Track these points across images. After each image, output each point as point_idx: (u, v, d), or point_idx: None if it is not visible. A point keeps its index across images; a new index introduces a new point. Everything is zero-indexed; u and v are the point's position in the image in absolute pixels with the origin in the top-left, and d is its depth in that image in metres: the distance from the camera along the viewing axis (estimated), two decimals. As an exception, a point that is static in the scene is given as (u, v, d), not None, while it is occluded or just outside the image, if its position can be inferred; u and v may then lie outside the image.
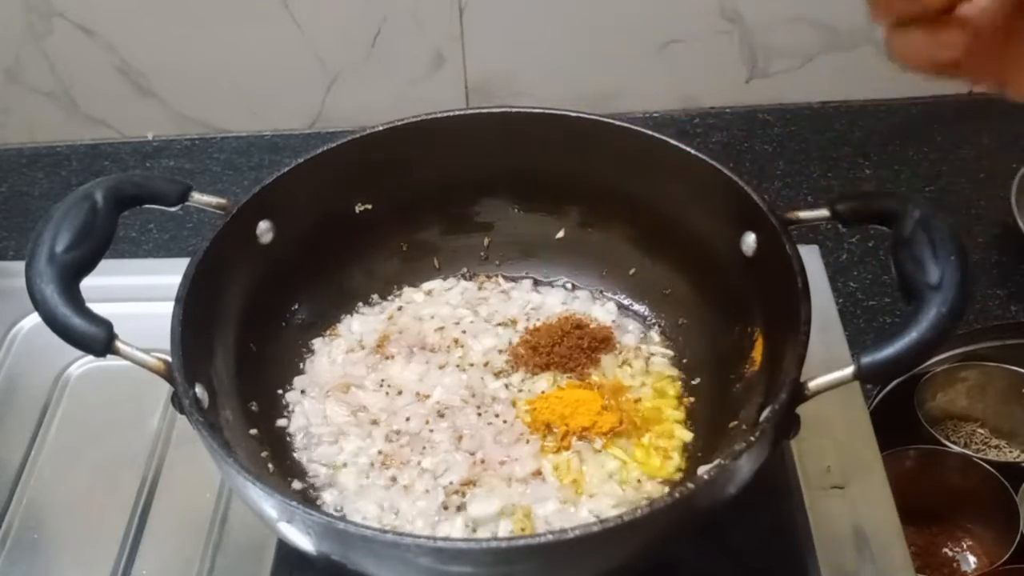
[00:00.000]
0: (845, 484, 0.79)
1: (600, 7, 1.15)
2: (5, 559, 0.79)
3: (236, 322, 0.76)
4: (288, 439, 0.78)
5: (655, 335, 0.85)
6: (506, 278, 0.89)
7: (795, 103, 1.24)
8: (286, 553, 0.75)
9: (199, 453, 0.64)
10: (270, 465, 0.74)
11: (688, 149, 0.77)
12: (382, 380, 0.81)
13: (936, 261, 0.62)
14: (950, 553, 0.95)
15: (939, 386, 0.98)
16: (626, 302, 0.87)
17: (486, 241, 0.89)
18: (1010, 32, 0.50)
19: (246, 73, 1.21)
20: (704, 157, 0.76)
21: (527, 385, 0.80)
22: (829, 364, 0.63)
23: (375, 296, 0.88)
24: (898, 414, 0.94)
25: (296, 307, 0.84)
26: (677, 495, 0.59)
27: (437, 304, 0.87)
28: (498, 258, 0.90)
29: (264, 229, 0.78)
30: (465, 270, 0.90)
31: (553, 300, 0.87)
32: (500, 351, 0.83)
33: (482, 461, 0.75)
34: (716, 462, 0.61)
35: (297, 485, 0.75)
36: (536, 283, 0.89)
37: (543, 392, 0.79)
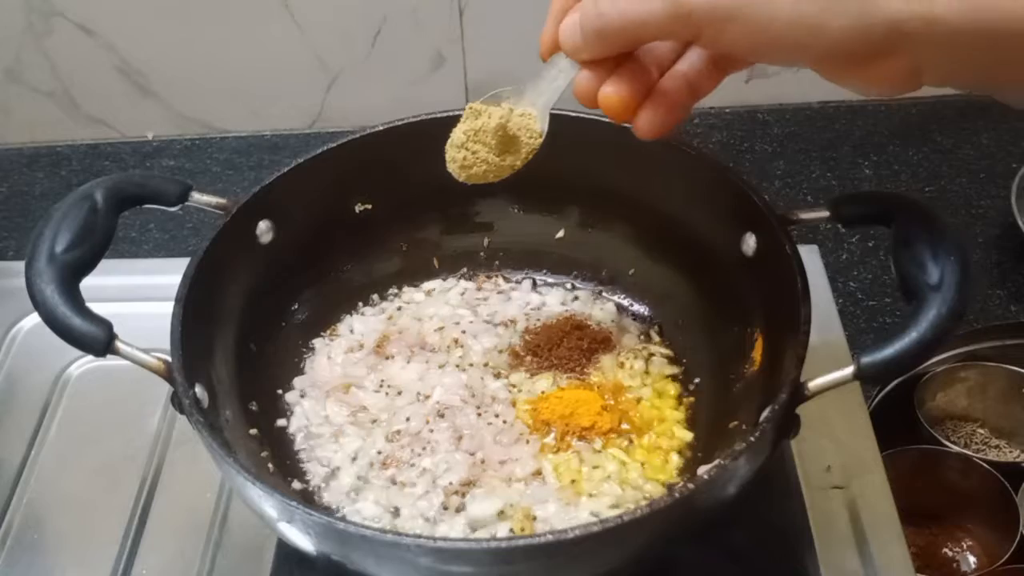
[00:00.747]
0: (845, 484, 0.79)
1: (600, 7, 1.15)
2: (5, 559, 0.79)
3: (236, 322, 0.76)
4: (288, 439, 0.78)
5: (655, 335, 0.85)
6: (506, 278, 0.89)
7: (795, 103, 1.24)
8: (286, 553, 0.75)
9: (199, 453, 0.64)
10: (270, 465, 0.74)
11: (688, 149, 0.77)
12: (382, 380, 0.81)
13: (936, 261, 0.62)
14: (950, 553, 0.95)
15: (939, 386, 0.98)
16: (626, 302, 0.87)
17: (486, 241, 0.89)
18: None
19: (246, 73, 1.21)
20: (704, 157, 0.76)
21: (527, 385, 0.80)
22: (829, 364, 0.63)
23: (375, 296, 0.88)
24: (898, 414, 0.94)
25: (296, 307, 0.84)
26: (677, 495, 0.59)
27: (437, 304, 0.87)
28: (498, 258, 0.90)
29: (264, 229, 0.78)
30: (465, 270, 0.90)
31: (553, 300, 0.87)
32: (500, 351, 0.83)
33: (482, 461, 0.75)
34: (716, 462, 0.61)
35: (297, 485, 0.75)
36: (536, 283, 0.89)
37: (543, 392, 0.79)
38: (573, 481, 0.73)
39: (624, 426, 0.77)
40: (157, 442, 0.85)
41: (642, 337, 0.85)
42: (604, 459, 0.75)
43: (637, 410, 0.78)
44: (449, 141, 0.68)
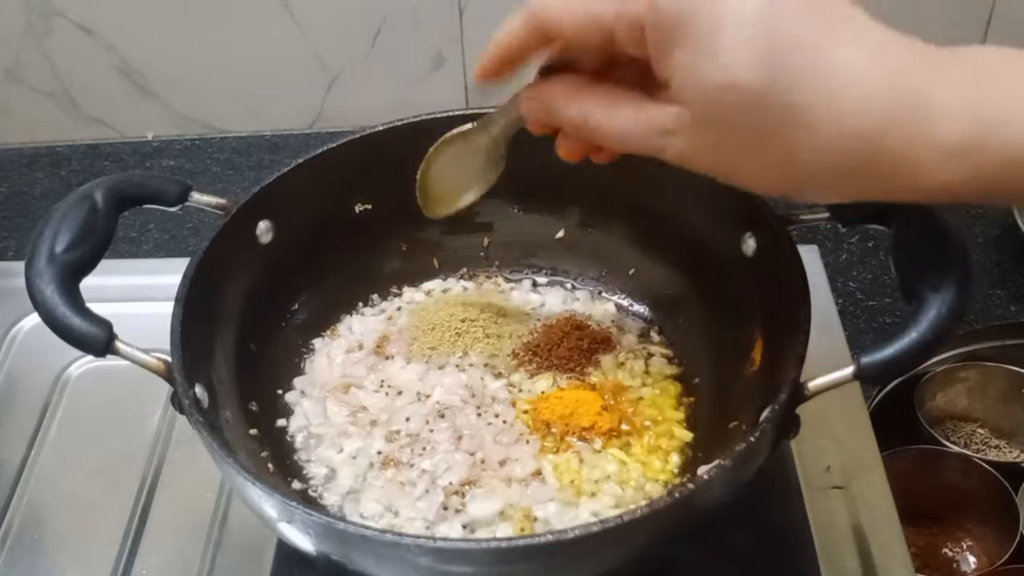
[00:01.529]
0: (845, 484, 0.79)
1: (600, 7, 1.15)
2: (5, 559, 0.79)
3: (236, 322, 0.76)
4: (288, 439, 0.78)
5: (655, 335, 0.85)
6: (506, 278, 0.89)
7: (795, 103, 1.24)
8: (286, 553, 0.75)
9: (199, 453, 0.64)
10: (270, 465, 0.74)
11: (688, 149, 0.76)
12: (382, 380, 0.81)
13: (936, 261, 0.62)
14: (950, 553, 0.95)
15: (939, 386, 0.98)
16: (626, 302, 0.87)
17: (486, 241, 0.89)
18: None
19: (246, 73, 1.21)
20: (704, 157, 0.76)
21: (527, 385, 0.80)
22: (829, 364, 0.63)
23: (375, 296, 0.88)
24: (898, 414, 0.94)
25: (296, 307, 0.84)
26: (677, 495, 0.59)
27: (437, 304, 0.87)
28: (498, 258, 0.90)
29: (264, 229, 0.78)
30: (465, 270, 0.90)
31: (553, 300, 0.87)
32: (500, 351, 0.83)
33: (482, 461, 0.75)
34: (716, 462, 0.61)
35: (297, 485, 0.75)
36: (536, 283, 0.89)
37: (543, 392, 0.79)
38: (573, 481, 0.73)
39: (624, 426, 0.76)
40: (157, 442, 0.85)
41: (642, 337, 0.85)
42: (604, 459, 0.75)
43: (637, 410, 0.78)
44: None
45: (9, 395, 0.91)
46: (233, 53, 1.19)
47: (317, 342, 0.85)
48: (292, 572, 0.75)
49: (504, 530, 0.71)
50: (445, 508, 0.72)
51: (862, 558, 0.74)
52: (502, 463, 0.75)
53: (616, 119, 0.54)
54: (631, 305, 0.87)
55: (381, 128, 0.81)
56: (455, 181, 0.73)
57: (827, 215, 0.70)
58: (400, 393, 0.80)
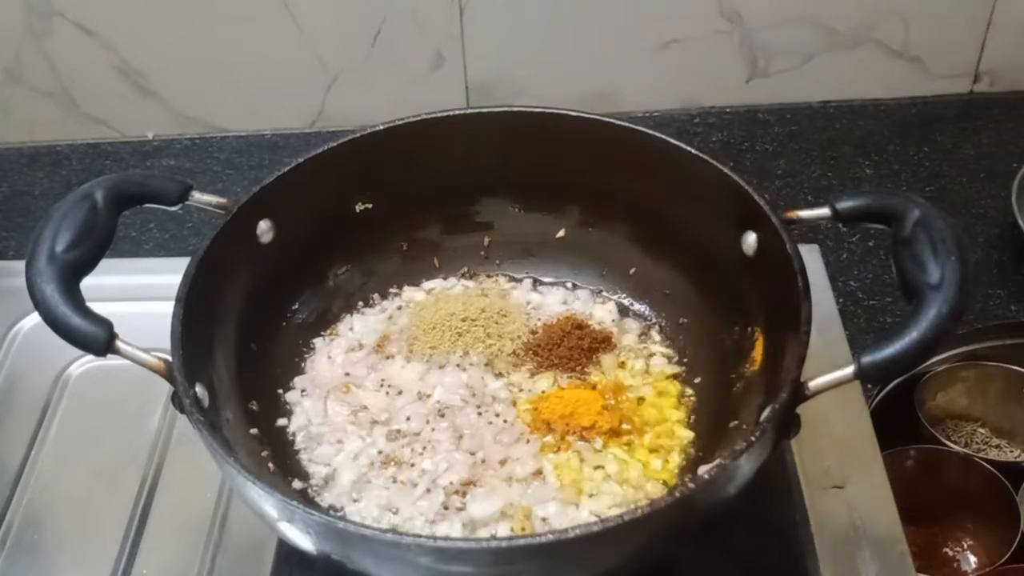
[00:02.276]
0: (845, 484, 0.79)
1: (600, 7, 1.15)
2: (5, 559, 0.79)
3: (236, 322, 0.76)
4: (288, 439, 0.78)
5: (655, 335, 0.85)
6: (506, 278, 0.89)
7: (795, 103, 1.24)
8: (286, 553, 0.75)
9: (199, 453, 0.64)
10: (270, 465, 0.74)
11: (688, 148, 0.77)
12: (382, 380, 0.81)
13: (936, 261, 0.62)
14: (950, 553, 0.95)
15: (939, 386, 0.98)
16: (626, 302, 0.87)
17: (486, 240, 0.89)
18: None
19: (246, 73, 1.21)
20: (705, 156, 0.76)
21: (527, 385, 0.80)
22: (829, 364, 0.63)
23: (375, 296, 0.88)
24: (898, 414, 0.94)
25: (296, 307, 0.84)
26: (677, 495, 0.59)
27: (437, 303, 0.87)
28: (498, 257, 0.90)
29: (264, 229, 0.78)
30: (465, 269, 0.90)
31: (553, 300, 0.87)
32: (500, 351, 0.83)
33: (482, 461, 0.75)
34: (716, 462, 0.61)
35: (297, 485, 0.75)
36: (536, 283, 0.89)
37: (543, 392, 0.79)
38: (573, 481, 0.73)
39: (624, 426, 0.76)
40: (157, 442, 0.85)
41: (642, 337, 0.85)
42: (604, 459, 0.74)
43: (638, 410, 0.78)
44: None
45: (9, 395, 0.90)
46: (233, 53, 1.19)
47: (317, 341, 0.85)
48: (292, 572, 0.75)
49: (504, 530, 0.71)
50: (445, 508, 0.72)
51: (862, 558, 0.74)
52: (502, 463, 0.75)
53: None
54: (631, 305, 0.87)
55: (381, 128, 0.80)
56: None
57: (828, 214, 0.70)
58: (400, 392, 0.80)
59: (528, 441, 0.76)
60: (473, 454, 0.75)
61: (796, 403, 0.63)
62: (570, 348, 0.81)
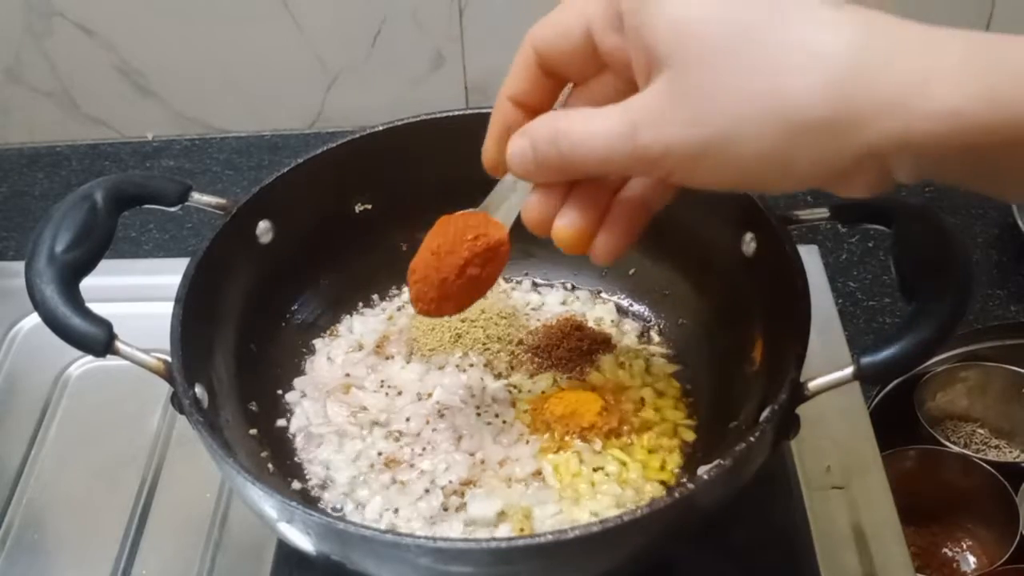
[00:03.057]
0: (845, 484, 0.79)
1: (600, 7, 1.15)
2: (5, 559, 0.79)
3: (236, 322, 0.76)
4: (288, 439, 0.78)
5: (655, 335, 0.85)
6: (506, 278, 0.89)
7: (795, 103, 1.24)
8: (286, 553, 0.75)
9: (199, 453, 0.64)
10: (270, 465, 0.74)
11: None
12: (382, 380, 0.81)
13: (936, 261, 0.62)
14: (950, 553, 0.95)
15: (939, 386, 0.98)
16: (626, 302, 0.87)
17: (486, 241, 0.89)
18: None
19: (246, 73, 1.21)
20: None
21: (527, 385, 0.80)
22: (829, 364, 0.63)
23: (375, 296, 0.88)
24: (898, 414, 0.94)
25: (296, 307, 0.84)
26: (677, 495, 0.59)
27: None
28: (498, 258, 0.90)
29: (264, 229, 0.78)
30: (465, 270, 0.90)
31: (553, 300, 0.87)
32: (500, 351, 0.83)
33: (482, 461, 0.75)
34: (716, 462, 0.61)
35: (297, 485, 0.75)
36: (536, 283, 0.89)
37: (543, 392, 0.79)
38: (573, 481, 0.73)
39: (624, 426, 0.76)
40: (157, 442, 0.85)
41: (642, 337, 0.85)
42: (604, 459, 0.74)
43: (637, 410, 0.78)
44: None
45: (9, 395, 0.91)
46: (233, 53, 1.19)
47: (317, 342, 0.85)
48: (292, 572, 0.75)
49: (504, 530, 0.71)
50: (445, 508, 0.72)
51: (862, 558, 0.74)
52: (502, 463, 0.75)
53: (591, 125, 0.50)
54: (631, 305, 0.87)
55: (381, 128, 0.80)
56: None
57: (827, 215, 0.70)
58: (400, 393, 0.80)
59: (527, 442, 0.76)
60: (472, 455, 0.75)
61: (795, 403, 0.63)
62: (569, 349, 0.82)
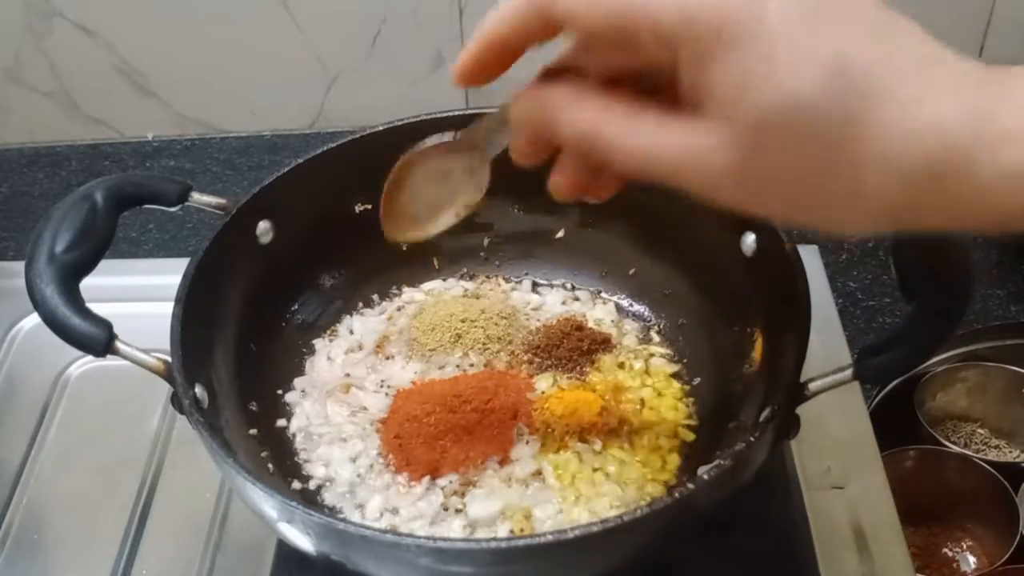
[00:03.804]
0: (845, 484, 0.79)
1: (600, 7, 1.15)
2: (5, 559, 0.79)
3: (236, 322, 0.76)
4: (288, 439, 0.78)
5: (655, 335, 0.85)
6: (506, 278, 0.89)
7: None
8: (286, 553, 0.75)
9: (199, 453, 0.64)
10: (270, 465, 0.74)
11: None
12: (382, 380, 0.81)
13: (936, 261, 0.61)
14: (950, 553, 0.95)
15: (939, 386, 0.98)
16: (626, 302, 0.87)
17: (486, 241, 0.89)
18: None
19: (246, 73, 1.21)
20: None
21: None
22: (829, 364, 0.63)
23: (375, 296, 0.88)
24: (898, 414, 0.94)
25: (296, 307, 0.84)
26: (677, 495, 0.59)
27: (437, 304, 0.87)
28: (498, 258, 0.90)
29: (264, 229, 0.78)
30: (465, 270, 0.90)
31: (553, 300, 0.87)
32: (500, 352, 0.83)
33: (482, 461, 0.75)
34: (716, 462, 0.61)
35: (297, 485, 0.75)
36: (536, 283, 0.89)
37: (543, 393, 0.79)
38: (573, 481, 0.73)
39: (624, 426, 0.76)
40: (157, 442, 0.85)
41: (642, 337, 0.85)
42: (604, 459, 0.74)
43: (637, 410, 0.78)
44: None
45: (9, 395, 0.90)
46: (233, 53, 1.19)
47: (317, 342, 0.85)
48: (292, 572, 0.75)
49: (504, 530, 0.71)
50: (445, 508, 0.72)
51: (862, 558, 0.74)
52: (502, 463, 0.74)
53: (638, 134, 0.45)
54: (631, 305, 0.87)
55: (381, 128, 0.80)
56: (428, 202, 0.62)
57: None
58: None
59: (527, 442, 0.76)
60: (473, 454, 0.75)
61: (795, 404, 0.63)
62: (569, 349, 0.81)
